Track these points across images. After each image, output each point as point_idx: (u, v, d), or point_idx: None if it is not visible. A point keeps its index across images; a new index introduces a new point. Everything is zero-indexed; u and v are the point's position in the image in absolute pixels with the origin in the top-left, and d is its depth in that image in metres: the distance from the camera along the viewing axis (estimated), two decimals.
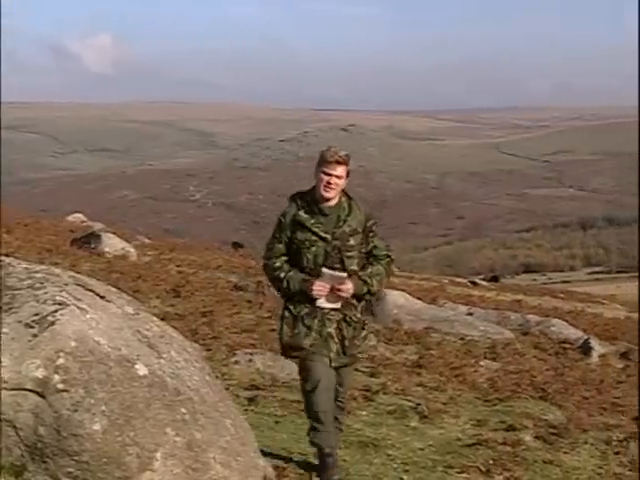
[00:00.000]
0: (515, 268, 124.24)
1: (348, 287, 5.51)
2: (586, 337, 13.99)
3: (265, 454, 5.41)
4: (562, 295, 31.23)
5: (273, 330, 11.53)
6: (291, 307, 5.60)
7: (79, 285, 4.95)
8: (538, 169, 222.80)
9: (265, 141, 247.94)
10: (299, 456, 6.29)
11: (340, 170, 5.54)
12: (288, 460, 6.10)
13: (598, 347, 13.38)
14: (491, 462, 6.67)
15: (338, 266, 5.54)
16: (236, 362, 9.43)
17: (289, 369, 8.83)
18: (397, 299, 14.72)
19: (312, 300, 5.52)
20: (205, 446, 4.59)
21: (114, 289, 5.35)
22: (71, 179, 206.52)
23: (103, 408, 4.27)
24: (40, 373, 4.25)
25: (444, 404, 8.72)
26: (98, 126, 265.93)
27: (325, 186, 5.53)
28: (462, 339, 13.13)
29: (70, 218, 28.70)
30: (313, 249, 5.54)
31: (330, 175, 5.52)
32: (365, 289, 5.63)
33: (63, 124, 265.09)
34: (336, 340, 5.58)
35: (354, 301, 5.63)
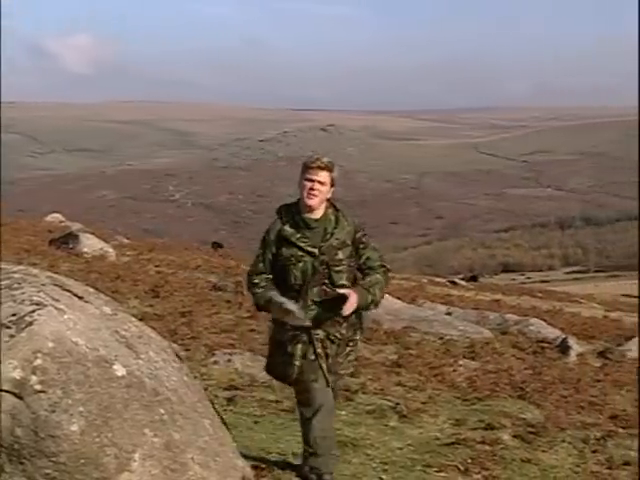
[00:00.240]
0: (494, 268, 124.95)
1: (352, 302, 5.24)
2: (564, 336, 14.06)
3: (244, 454, 5.41)
4: (540, 294, 31.35)
5: (252, 330, 11.54)
6: (275, 331, 5.46)
7: (57, 285, 4.92)
8: (516, 169, 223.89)
9: (245, 141, 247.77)
10: (278, 456, 6.30)
11: (323, 175, 5.36)
12: (267, 460, 6.10)
13: (576, 346, 13.45)
14: (469, 461, 6.69)
15: (327, 282, 5.35)
16: (215, 362, 9.42)
17: None
18: None
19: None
20: (183, 446, 4.58)
21: (92, 289, 5.33)
22: (50, 179, 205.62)
23: (81, 409, 4.25)
24: (17, 374, 4.22)
25: (423, 403, 8.75)
26: (77, 126, 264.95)
27: (308, 192, 5.34)
28: (441, 339, 13.16)
29: (48, 218, 28.51)
30: (300, 265, 5.33)
31: (312, 181, 5.34)
32: (370, 299, 5.38)
33: (42, 124, 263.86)
34: (324, 359, 5.39)
35: (340, 318, 5.37)
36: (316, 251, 5.34)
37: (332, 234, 5.39)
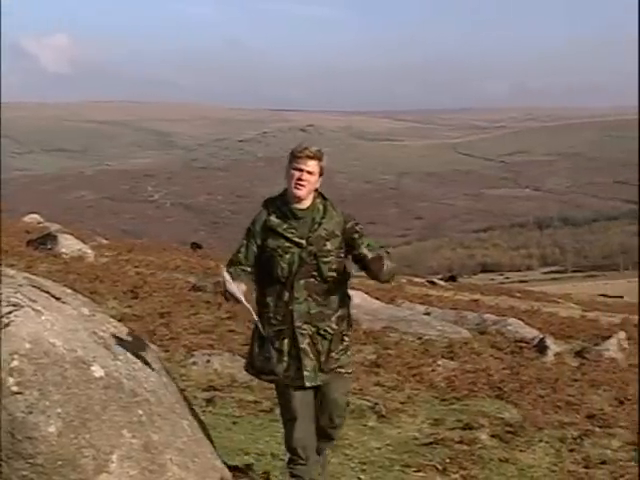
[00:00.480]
0: (473, 268, 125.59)
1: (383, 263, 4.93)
2: (542, 336, 14.11)
3: (222, 455, 5.40)
4: (519, 294, 31.46)
5: (231, 331, 11.52)
6: (259, 326, 5.12)
7: (34, 286, 4.91)
8: (495, 169, 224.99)
9: (224, 141, 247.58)
10: (256, 457, 6.30)
11: (312, 165, 5.06)
12: (246, 461, 6.10)
13: (553, 346, 13.50)
14: (448, 461, 6.72)
15: (314, 273, 5.09)
16: (194, 363, 9.40)
17: None
18: (355, 299, 14.69)
19: (282, 318, 5.09)
20: (162, 448, 4.57)
21: (70, 290, 5.32)
22: (28, 179, 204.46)
23: (58, 410, 4.24)
24: None
25: (402, 403, 8.77)
26: (55, 126, 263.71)
27: (296, 183, 5.05)
28: (420, 339, 13.17)
29: (26, 219, 28.33)
30: (287, 256, 5.05)
31: (301, 170, 5.04)
32: (390, 263, 4.99)
33: (20, 124, 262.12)
34: (311, 356, 5.09)
35: (328, 311, 5.17)
36: (303, 242, 5.07)
37: (320, 224, 5.12)
